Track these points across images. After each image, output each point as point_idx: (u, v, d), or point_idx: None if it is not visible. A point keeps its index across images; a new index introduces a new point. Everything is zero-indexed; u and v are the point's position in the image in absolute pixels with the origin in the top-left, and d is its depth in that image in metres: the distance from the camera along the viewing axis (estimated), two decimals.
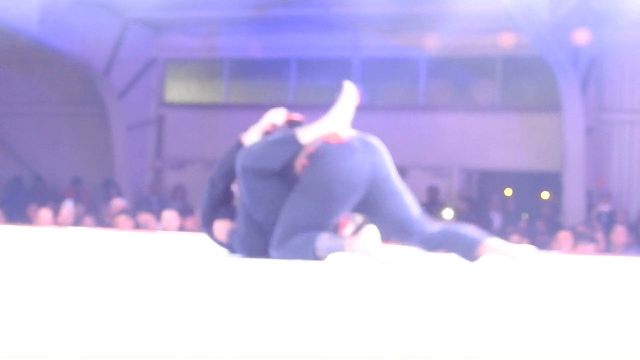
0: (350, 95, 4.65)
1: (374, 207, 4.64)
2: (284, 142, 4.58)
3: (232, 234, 4.89)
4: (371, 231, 4.41)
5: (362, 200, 4.62)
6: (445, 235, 4.66)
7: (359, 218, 4.71)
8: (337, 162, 4.53)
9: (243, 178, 4.66)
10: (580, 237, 9.37)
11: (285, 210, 4.53)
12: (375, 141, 4.72)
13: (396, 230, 4.69)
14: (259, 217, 4.67)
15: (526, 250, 4.59)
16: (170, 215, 9.95)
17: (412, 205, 4.70)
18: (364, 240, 4.38)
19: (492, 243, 4.58)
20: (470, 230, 4.71)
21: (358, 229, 4.67)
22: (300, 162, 4.58)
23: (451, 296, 3.20)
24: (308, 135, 4.56)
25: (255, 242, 4.71)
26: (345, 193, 4.52)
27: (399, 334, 2.08)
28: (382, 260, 4.39)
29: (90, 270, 3.70)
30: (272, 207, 4.63)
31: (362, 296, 3.07)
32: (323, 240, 4.46)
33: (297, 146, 4.55)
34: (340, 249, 4.45)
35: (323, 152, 4.57)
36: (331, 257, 4.50)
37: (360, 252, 4.41)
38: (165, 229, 9.52)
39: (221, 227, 4.97)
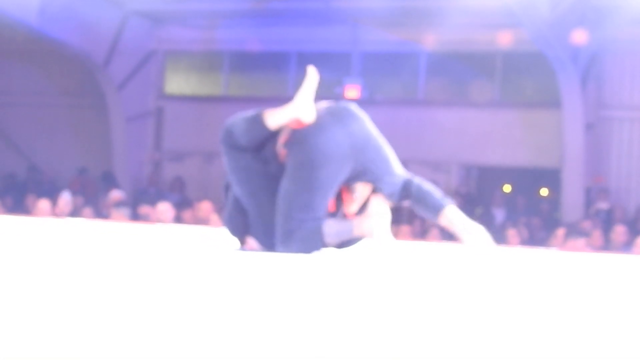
0: (312, 79, 4.64)
1: (367, 172, 4.61)
2: (251, 119, 4.58)
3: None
4: (378, 206, 4.41)
5: (355, 169, 4.58)
6: (417, 189, 4.64)
7: (360, 188, 4.64)
8: (311, 144, 4.48)
9: (223, 151, 4.69)
10: (571, 232, 9.36)
11: (280, 202, 4.52)
12: (346, 108, 4.66)
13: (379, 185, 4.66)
14: (242, 198, 4.67)
15: (480, 230, 4.58)
16: (164, 207, 9.94)
17: (393, 160, 4.68)
18: (371, 220, 4.41)
19: (450, 213, 4.59)
20: (435, 191, 4.70)
21: (364, 202, 4.62)
22: (281, 152, 4.58)
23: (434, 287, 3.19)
24: (273, 118, 4.55)
25: (238, 220, 4.69)
26: (329, 171, 4.47)
27: (398, 328, 2.08)
28: (385, 243, 4.40)
29: (79, 263, 3.69)
30: (250, 190, 4.61)
31: (360, 289, 3.07)
32: (330, 225, 4.46)
33: (263, 127, 4.52)
34: (349, 231, 4.45)
35: (296, 138, 4.53)
36: (341, 242, 4.50)
37: (368, 233, 4.43)
38: (159, 221, 9.51)
39: None
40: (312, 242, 4.45)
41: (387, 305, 2.61)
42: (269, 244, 4.56)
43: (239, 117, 4.68)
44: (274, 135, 4.58)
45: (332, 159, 4.48)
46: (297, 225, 4.44)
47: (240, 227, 4.69)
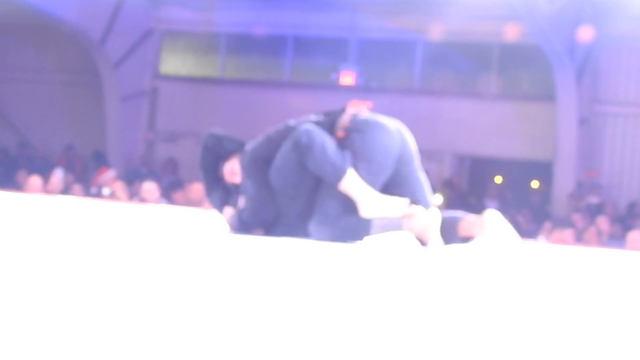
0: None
1: (397, 187, 4.66)
2: (336, 159, 4.55)
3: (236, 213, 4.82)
4: (433, 212, 4.48)
5: (392, 177, 4.66)
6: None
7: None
8: (371, 135, 4.62)
9: (290, 150, 4.63)
10: (557, 223, 9.40)
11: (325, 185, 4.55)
12: (402, 126, 4.79)
13: None
14: (284, 192, 4.66)
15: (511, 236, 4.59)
16: (150, 187, 9.92)
17: (429, 194, 4.75)
18: (423, 220, 4.45)
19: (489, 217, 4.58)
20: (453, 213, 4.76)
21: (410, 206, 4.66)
22: (339, 134, 4.62)
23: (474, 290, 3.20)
24: (353, 186, 4.55)
25: (268, 210, 4.68)
26: (384, 163, 4.60)
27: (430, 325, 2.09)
28: (434, 245, 4.45)
29: (68, 241, 3.70)
30: (297, 183, 4.65)
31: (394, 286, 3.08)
32: (379, 219, 4.51)
33: (342, 174, 4.53)
34: (397, 227, 4.50)
35: (357, 126, 4.62)
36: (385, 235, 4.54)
37: (417, 232, 4.48)
38: (144, 200, 9.50)
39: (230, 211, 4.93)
40: (358, 231, 4.53)
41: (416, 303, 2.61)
42: (301, 228, 4.62)
43: (329, 146, 4.60)
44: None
45: (390, 155, 4.60)
46: (345, 214, 4.51)
47: (267, 218, 4.71)
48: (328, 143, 4.54)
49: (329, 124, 4.67)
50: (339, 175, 4.48)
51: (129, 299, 1.99)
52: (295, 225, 4.66)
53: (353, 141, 4.59)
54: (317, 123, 4.68)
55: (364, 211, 4.49)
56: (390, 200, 4.51)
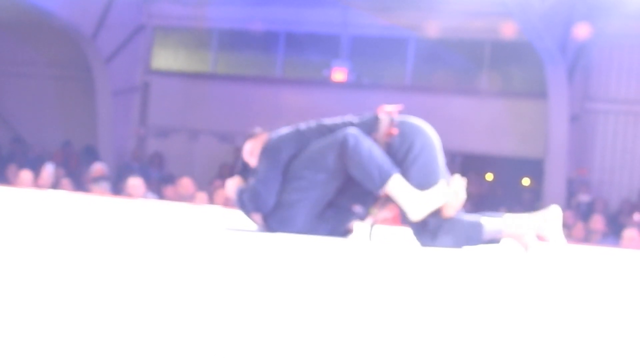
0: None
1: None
2: (383, 163, 4.59)
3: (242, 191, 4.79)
4: (552, 215, 4.52)
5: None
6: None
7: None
8: (426, 129, 4.75)
9: (334, 150, 4.63)
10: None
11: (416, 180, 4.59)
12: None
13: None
14: (302, 179, 4.68)
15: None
16: (135, 182, 9.89)
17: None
18: (525, 224, 4.49)
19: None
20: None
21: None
22: (391, 130, 4.65)
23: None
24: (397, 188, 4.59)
25: (268, 197, 4.67)
26: (437, 161, 4.72)
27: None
28: (534, 252, 4.49)
29: (55, 236, 3.69)
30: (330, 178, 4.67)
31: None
32: (489, 223, 4.58)
33: (387, 177, 4.58)
34: (500, 231, 4.53)
35: (407, 123, 4.72)
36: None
37: (517, 237, 4.52)
38: (130, 196, 9.48)
39: (234, 183, 4.89)
40: (472, 238, 4.56)
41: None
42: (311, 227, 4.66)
43: (375, 151, 4.64)
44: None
45: (436, 153, 4.74)
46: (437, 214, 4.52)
47: (299, 224, 4.71)
48: (374, 147, 4.58)
49: (368, 128, 4.69)
50: (385, 178, 4.51)
51: (117, 294, 1.98)
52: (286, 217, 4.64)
53: (402, 145, 4.64)
54: (357, 125, 4.72)
55: (412, 214, 4.50)
56: (432, 193, 4.53)
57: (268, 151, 4.72)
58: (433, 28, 14.71)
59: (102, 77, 16.30)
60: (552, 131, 14.14)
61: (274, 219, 4.62)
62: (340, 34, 15.70)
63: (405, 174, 4.58)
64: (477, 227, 4.52)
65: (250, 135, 4.92)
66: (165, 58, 17.19)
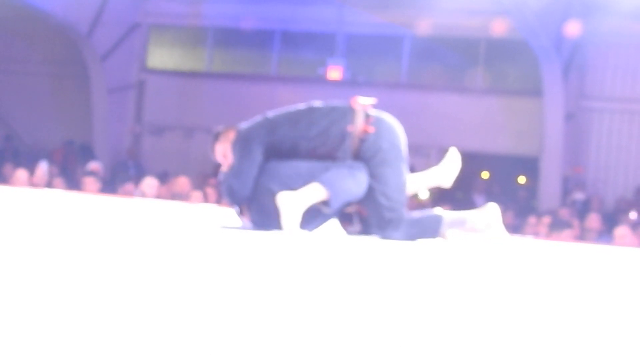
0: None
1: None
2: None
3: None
4: (493, 208, 4.62)
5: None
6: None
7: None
8: (396, 129, 4.81)
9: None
10: (555, 224, 9.41)
11: (377, 186, 4.59)
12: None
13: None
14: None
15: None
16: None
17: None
18: (487, 217, 4.55)
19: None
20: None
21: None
22: (365, 128, 4.66)
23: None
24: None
25: (243, 191, 4.66)
26: (404, 157, 4.80)
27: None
28: (501, 238, 4.55)
29: (47, 235, 3.69)
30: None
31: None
32: (449, 215, 4.68)
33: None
34: (462, 223, 4.58)
35: (383, 121, 4.76)
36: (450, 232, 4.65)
37: (481, 228, 4.55)
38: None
39: (224, 149, 4.83)
40: (432, 229, 4.64)
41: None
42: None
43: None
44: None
45: (402, 154, 4.83)
46: (400, 210, 4.56)
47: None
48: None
49: (339, 117, 4.68)
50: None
51: (115, 294, 1.98)
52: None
53: (374, 143, 4.67)
54: (325, 112, 4.70)
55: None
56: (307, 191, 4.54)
57: (239, 143, 4.70)
58: (428, 26, 14.71)
59: (98, 75, 16.28)
60: (548, 129, 14.16)
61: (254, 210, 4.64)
62: (336, 31, 15.69)
63: (372, 172, 4.60)
64: (436, 220, 4.62)
65: (215, 137, 4.83)
66: (161, 56, 17.18)
